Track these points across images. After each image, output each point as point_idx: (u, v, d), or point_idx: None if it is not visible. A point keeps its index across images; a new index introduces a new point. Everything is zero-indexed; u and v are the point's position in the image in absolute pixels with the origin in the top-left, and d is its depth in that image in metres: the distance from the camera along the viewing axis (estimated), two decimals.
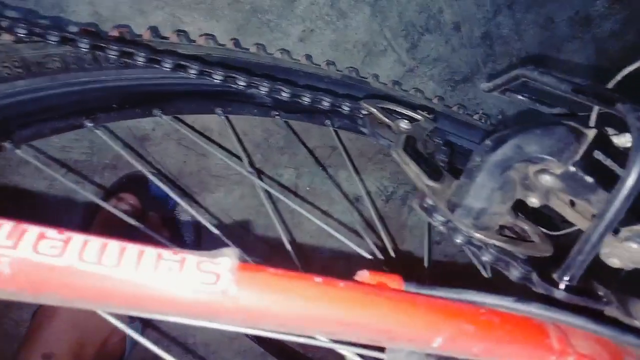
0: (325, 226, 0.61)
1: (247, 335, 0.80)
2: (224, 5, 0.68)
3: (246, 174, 0.67)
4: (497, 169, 0.40)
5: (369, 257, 0.61)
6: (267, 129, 0.81)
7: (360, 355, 0.38)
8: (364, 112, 0.64)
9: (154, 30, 0.65)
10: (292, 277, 0.27)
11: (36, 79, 0.47)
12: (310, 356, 0.86)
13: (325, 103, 0.63)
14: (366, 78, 0.73)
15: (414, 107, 0.63)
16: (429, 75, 0.83)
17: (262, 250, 0.90)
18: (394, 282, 0.32)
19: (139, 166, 0.59)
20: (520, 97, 0.48)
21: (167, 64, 0.53)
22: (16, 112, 0.48)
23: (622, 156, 0.38)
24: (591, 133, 0.38)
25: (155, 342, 0.41)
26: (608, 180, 0.36)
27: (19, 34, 0.47)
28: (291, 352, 0.80)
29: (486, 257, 0.44)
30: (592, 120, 0.40)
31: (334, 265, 0.95)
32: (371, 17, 0.75)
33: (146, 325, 0.86)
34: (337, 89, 0.68)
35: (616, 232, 0.36)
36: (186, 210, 0.83)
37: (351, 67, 0.73)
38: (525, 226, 0.44)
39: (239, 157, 0.77)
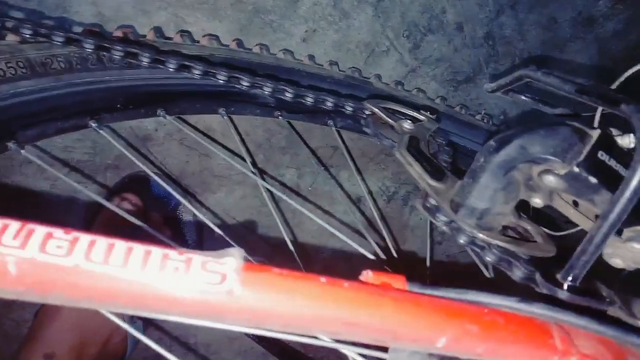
0: (327, 226, 0.61)
1: (248, 335, 0.80)
2: (227, 5, 0.68)
3: (249, 174, 0.67)
4: (501, 169, 0.40)
5: (372, 257, 0.61)
6: (269, 129, 0.81)
7: (363, 355, 0.38)
8: (367, 112, 0.64)
9: (157, 30, 0.65)
10: (297, 278, 0.27)
11: (40, 79, 0.48)
12: (311, 356, 0.86)
13: (329, 103, 0.63)
14: (369, 78, 0.73)
15: (416, 108, 0.63)
16: (432, 75, 0.83)
17: (264, 250, 0.90)
18: (398, 282, 0.32)
19: (142, 166, 0.59)
20: (523, 97, 0.48)
21: (172, 65, 0.53)
22: (20, 112, 0.48)
23: (626, 157, 0.38)
24: (595, 134, 0.38)
25: (157, 342, 0.41)
26: (612, 181, 0.36)
27: (24, 35, 0.47)
28: (292, 352, 0.80)
29: (489, 258, 0.44)
30: (596, 121, 0.40)
31: (336, 265, 0.96)
32: (374, 17, 0.75)
33: (148, 325, 0.86)
34: (339, 89, 0.68)
35: (619, 232, 0.36)
36: (188, 210, 0.83)
37: (354, 68, 0.73)
38: (528, 226, 0.44)
39: (241, 157, 0.77)
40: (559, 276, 0.35)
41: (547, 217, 0.52)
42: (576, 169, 0.38)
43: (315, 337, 0.34)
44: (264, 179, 0.83)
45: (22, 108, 0.48)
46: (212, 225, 0.59)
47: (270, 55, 0.65)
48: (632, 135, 0.38)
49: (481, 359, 0.31)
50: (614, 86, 0.40)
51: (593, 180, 0.38)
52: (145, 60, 0.52)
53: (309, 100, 0.62)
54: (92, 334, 0.65)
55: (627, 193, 0.31)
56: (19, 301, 0.24)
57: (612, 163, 0.38)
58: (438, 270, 0.98)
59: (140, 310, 0.25)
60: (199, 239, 0.85)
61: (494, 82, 0.47)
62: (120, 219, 0.55)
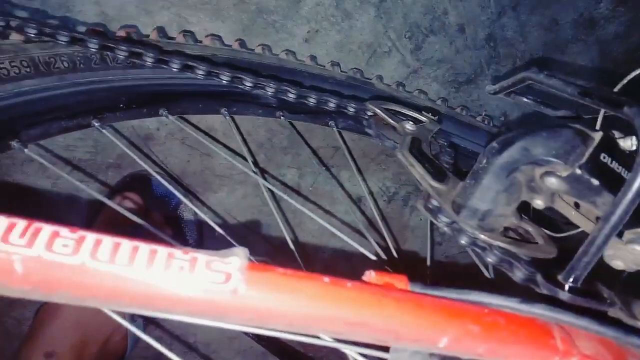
0: (328, 226, 0.61)
1: (247, 334, 0.81)
2: (230, 5, 0.68)
3: (250, 174, 0.67)
4: (503, 171, 0.40)
5: (372, 257, 0.61)
6: (271, 129, 0.81)
7: (364, 355, 0.38)
8: (369, 113, 0.64)
9: (160, 30, 0.65)
10: (301, 277, 0.27)
11: (44, 78, 0.48)
12: (311, 355, 0.87)
13: (331, 104, 0.63)
14: (370, 79, 0.73)
15: (418, 109, 0.63)
16: (433, 76, 0.84)
17: (265, 249, 0.90)
18: (400, 282, 0.32)
19: (144, 165, 0.60)
20: (525, 99, 0.49)
21: (175, 65, 0.53)
22: (24, 111, 0.48)
23: (628, 159, 0.38)
24: (597, 136, 0.38)
25: (157, 340, 0.41)
26: (614, 183, 0.37)
27: (28, 34, 0.48)
28: (292, 352, 0.80)
29: (490, 259, 0.44)
30: (598, 123, 0.41)
31: (336, 264, 0.96)
32: (376, 18, 0.75)
33: (148, 324, 0.86)
34: (341, 90, 0.68)
35: (620, 234, 0.36)
36: (189, 210, 0.83)
37: (356, 68, 0.73)
38: (530, 228, 0.44)
39: (243, 157, 0.77)
40: (560, 277, 0.36)
41: (548, 219, 0.52)
42: (578, 171, 0.38)
43: (317, 337, 0.34)
44: (265, 179, 0.83)
45: (26, 107, 0.48)
46: (213, 225, 0.59)
47: (272, 56, 0.65)
48: (634, 137, 0.38)
49: (482, 359, 0.31)
50: (616, 89, 0.40)
51: (595, 182, 0.38)
52: (148, 60, 0.52)
53: (311, 100, 0.62)
54: (93, 333, 0.65)
55: (629, 195, 0.31)
56: (21, 299, 0.24)
57: (614, 165, 0.38)
58: (438, 271, 0.99)
59: (145, 309, 0.26)
60: (199, 238, 0.86)
61: (496, 83, 0.47)
62: (122, 218, 0.55)
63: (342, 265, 0.95)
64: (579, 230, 0.43)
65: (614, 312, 0.37)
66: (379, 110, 0.62)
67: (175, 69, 0.54)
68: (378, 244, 0.67)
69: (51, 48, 0.49)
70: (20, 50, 0.47)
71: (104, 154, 0.75)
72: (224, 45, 0.63)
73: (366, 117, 0.65)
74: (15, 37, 0.48)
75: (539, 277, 0.38)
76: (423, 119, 0.62)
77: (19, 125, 0.49)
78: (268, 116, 0.67)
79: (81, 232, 0.24)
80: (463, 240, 0.44)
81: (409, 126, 0.59)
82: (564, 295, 0.35)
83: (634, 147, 0.38)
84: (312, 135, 0.83)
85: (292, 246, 0.65)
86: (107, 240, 0.24)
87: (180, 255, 0.25)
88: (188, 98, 0.61)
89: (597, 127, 0.41)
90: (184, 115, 0.70)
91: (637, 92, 0.38)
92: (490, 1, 0.80)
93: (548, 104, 0.50)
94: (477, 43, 0.83)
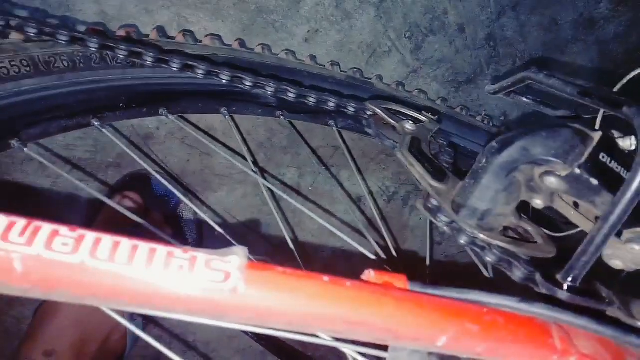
0: (327, 225, 0.61)
1: (246, 333, 0.81)
2: (230, 5, 0.68)
3: (250, 173, 0.67)
4: (503, 170, 0.40)
5: (372, 256, 0.61)
6: (270, 129, 0.81)
7: (363, 354, 0.38)
8: (368, 113, 0.64)
9: (160, 30, 0.65)
10: (300, 276, 0.28)
11: (44, 77, 0.48)
12: (310, 355, 0.87)
13: (331, 104, 0.63)
14: (370, 79, 0.73)
15: (418, 109, 0.63)
16: (433, 76, 0.84)
17: (264, 248, 0.90)
18: (400, 281, 0.32)
19: (143, 164, 0.60)
20: (525, 99, 0.49)
21: (175, 64, 0.53)
22: (24, 110, 0.49)
23: (627, 159, 0.38)
24: (597, 136, 0.38)
25: (157, 339, 0.41)
26: (613, 183, 0.37)
27: (28, 33, 0.48)
28: (291, 351, 0.80)
29: (490, 258, 0.44)
30: (598, 123, 0.41)
31: (336, 264, 0.96)
32: (376, 18, 0.75)
33: (148, 322, 0.86)
34: (341, 89, 0.69)
35: (619, 234, 0.36)
36: (189, 209, 0.83)
37: (355, 68, 0.73)
38: (529, 227, 0.44)
39: (242, 157, 0.77)
40: (559, 277, 0.36)
41: (547, 219, 0.52)
42: (577, 171, 0.38)
43: (316, 336, 0.34)
44: (265, 178, 0.83)
45: (26, 106, 0.48)
46: (213, 224, 0.59)
47: (272, 56, 0.65)
48: (633, 137, 0.38)
49: (481, 358, 0.31)
50: (616, 89, 0.40)
51: (594, 182, 0.38)
52: (148, 59, 0.52)
53: (311, 100, 0.62)
54: (92, 331, 0.65)
55: (628, 195, 0.31)
56: (20, 298, 0.24)
57: (614, 165, 0.38)
58: (438, 270, 0.99)
59: (145, 308, 0.26)
60: (199, 237, 0.86)
61: (496, 83, 0.47)
62: (122, 217, 0.55)
63: (341, 265, 0.95)
64: (578, 229, 0.43)
65: (613, 312, 0.37)
66: (378, 110, 0.62)
67: (175, 69, 0.54)
68: (378, 243, 0.67)
69: (51, 47, 0.49)
70: (20, 49, 0.47)
71: (103, 153, 0.75)
72: (223, 44, 0.63)
73: (366, 116, 0.65)
74: (15, 36, 0.48)
75: (538, 277, 0.38)
76: (423, 118, 0.62)
77: (19, 125, 0.49)
78: (268, 116, 0.67)
79: (81, 231, 0.24)
80: (462, 240, 0.44)
81: (409, 126, 0.59)
82: (562, 295, 0.35)
83: (633, 147, 0.38)
84: (312, 135, 0.83)
85: (291, 245, 0.65)
86: (107, 239, 0.24)
87: (180, 254, 0.25)
88: (188, 97, 0.61)
89: (597, 127, 0.41)
90: (184, 115, 0.70)
91: (637, 92, 0.38)
92: (490, 1, 0.80)
93: (548, 103, 0.50)
94: (477, 43, 0.83)
